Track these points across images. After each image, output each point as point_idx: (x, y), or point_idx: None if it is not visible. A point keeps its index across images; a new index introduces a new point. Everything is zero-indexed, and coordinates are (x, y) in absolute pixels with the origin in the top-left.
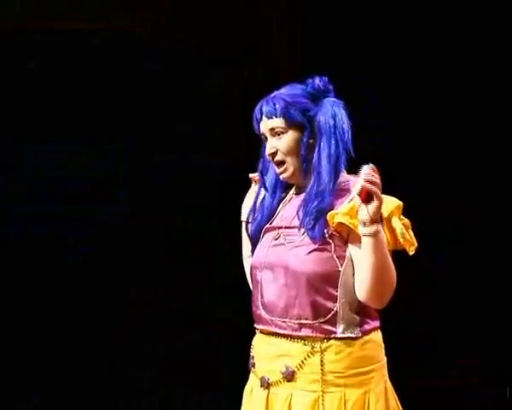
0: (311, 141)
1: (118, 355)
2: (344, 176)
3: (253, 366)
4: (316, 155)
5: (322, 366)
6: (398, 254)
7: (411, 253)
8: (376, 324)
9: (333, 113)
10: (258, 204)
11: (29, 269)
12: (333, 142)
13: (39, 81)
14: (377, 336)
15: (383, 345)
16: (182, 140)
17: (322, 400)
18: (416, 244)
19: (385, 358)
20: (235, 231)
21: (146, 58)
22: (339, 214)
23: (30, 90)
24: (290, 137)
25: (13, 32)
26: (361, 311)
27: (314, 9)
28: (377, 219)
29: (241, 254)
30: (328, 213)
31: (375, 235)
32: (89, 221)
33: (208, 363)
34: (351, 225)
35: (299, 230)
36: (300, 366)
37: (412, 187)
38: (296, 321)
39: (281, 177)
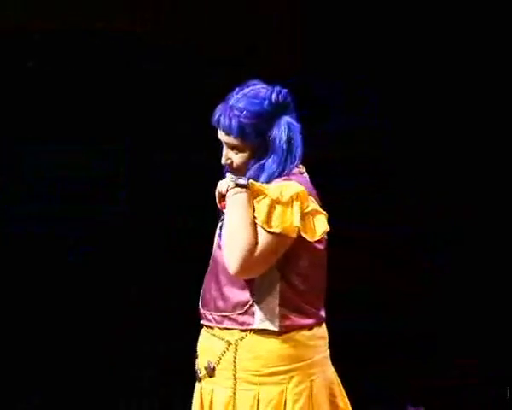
0: (263, 157)
1: (118, 355)
2: None
3: (196, 358)
4: (259, 166)
5: (234, 363)
6: (398, 254)
7: (311, 240)
8: (302, 321)
9: (288, 136)
10: None
11: (29, 269)
12: (281, 164)
13: (39, 81)
14: (302, 334)
15: (315, 343)
16: (182, 140)
17: (234, 398)
18: (317, 233)
19: (317, 356)
20: None
21: (146, 58)
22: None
23: (30, 90)
24: (246, 155)
25: (13, 32)
26: (283, 305)
27: (314, 9)
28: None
29: None
30: None
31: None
32: (89, 221)
33: None
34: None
35: None
36: (218, 362)
37: (412, 187)
38: (219, 313)
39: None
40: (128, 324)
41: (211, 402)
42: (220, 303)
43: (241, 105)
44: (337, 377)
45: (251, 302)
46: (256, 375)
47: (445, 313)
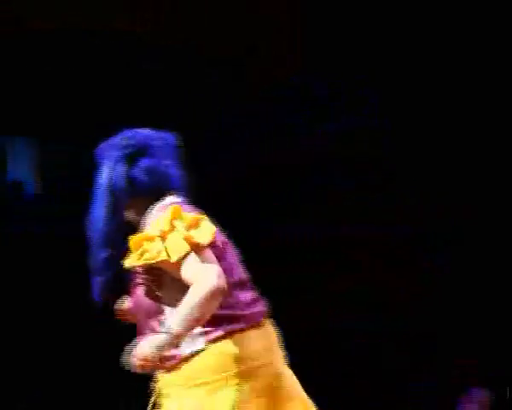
0: None
1: (118, 355)
2: None
3: None
4: None
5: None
6: (398, 254)
7: (207, 242)
8: (220, 332)
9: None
10: None
11: (29, 269)
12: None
13: (39, 81)
14: (224, 345)
15: (235, 353)
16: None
17: None
18: (206, 238)
19: (238, 368)
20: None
21: (146, 58)
22: (126, 260)
23: (29, 90)
24: None
25: (13, 32)
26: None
27: (314, 9)
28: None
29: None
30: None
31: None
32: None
33: None
34: (131, 264)
35: None
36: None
37: (412, 187)
38: None
39: None
40: (128, 324)
41: None
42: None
43: None
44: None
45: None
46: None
47: (444, 313)
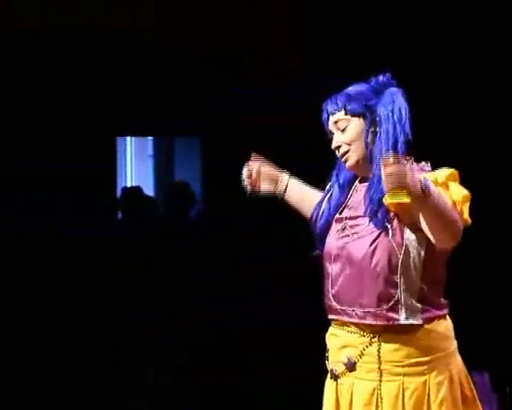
0: (372, 130)
1: (118, 355)
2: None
3: (327, 359)
4: (377, 142)
5: (379, 355)
6: None
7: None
8: (440, 312)
9: (391, 100)
10: (325, 202)
11: (29, 269)
12: (390, 127)
13: (39, 81)
14: (441, 325)
15: (451, 334)
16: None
17: (379, 388)
18: (467, 221)
19: (452, 347)
20: None
21: (146, 58)
22: (387, 196)
23: (29, 90)
24: (352, 127)
25: (13, 32)
26: (423, 298)
27: (314, 9)
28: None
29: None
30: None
31: (418, 198)
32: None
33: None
34: (397, 200)
35: (364, 218)
36: (360, 356)
37: None
38: (362, 309)
39: (346, 165)
40: (128, 323)
41: (351, 397)
42: (364, 300)
43: (347, 89)
44: (464, 366)
45: (396, 298)
46: (400, 365)
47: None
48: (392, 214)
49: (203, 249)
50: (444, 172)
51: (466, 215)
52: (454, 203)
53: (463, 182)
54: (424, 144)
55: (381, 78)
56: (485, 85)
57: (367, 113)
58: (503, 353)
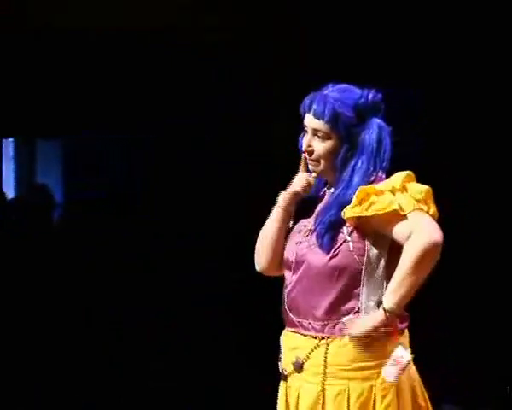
0: (348, 154)
1: (118, 355)
2: None
3: (280, 359)
4: (350, 168)
5: (325, 358)
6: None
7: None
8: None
9: (378, 137)
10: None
11: (29, 269)
12: (371, 164)
13: (38, 80)
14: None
15: (404, 341)
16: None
17: (323, 392)
18: (434, 215)
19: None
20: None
21: (146, 58)
22: (348, 209)
23: (29, 90)
24: (330, 144)
25: (13, 31)
26: (380, 306)
27: (314, 9)
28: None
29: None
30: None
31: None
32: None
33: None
34: (357, 214)
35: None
36: (308, 357)
37: None
38: (320, 322)
39: (310, 168)
40: (128, 323)
41: (297, 399)
42: (320, 313)
43: (336, 95)
44: (417, 375)
45: (356, 310)
46: (345, 369)
47: (444, 312)
48: (351, 228)
49: (203, 249)
50: (399, 177)
51: (433, 210)
52: (418, 201)
53: (463, 183)
54: (423, 144)
55: (370, 97)
56: (485, 85)
57: (348, 137)
58: (504, 352)
